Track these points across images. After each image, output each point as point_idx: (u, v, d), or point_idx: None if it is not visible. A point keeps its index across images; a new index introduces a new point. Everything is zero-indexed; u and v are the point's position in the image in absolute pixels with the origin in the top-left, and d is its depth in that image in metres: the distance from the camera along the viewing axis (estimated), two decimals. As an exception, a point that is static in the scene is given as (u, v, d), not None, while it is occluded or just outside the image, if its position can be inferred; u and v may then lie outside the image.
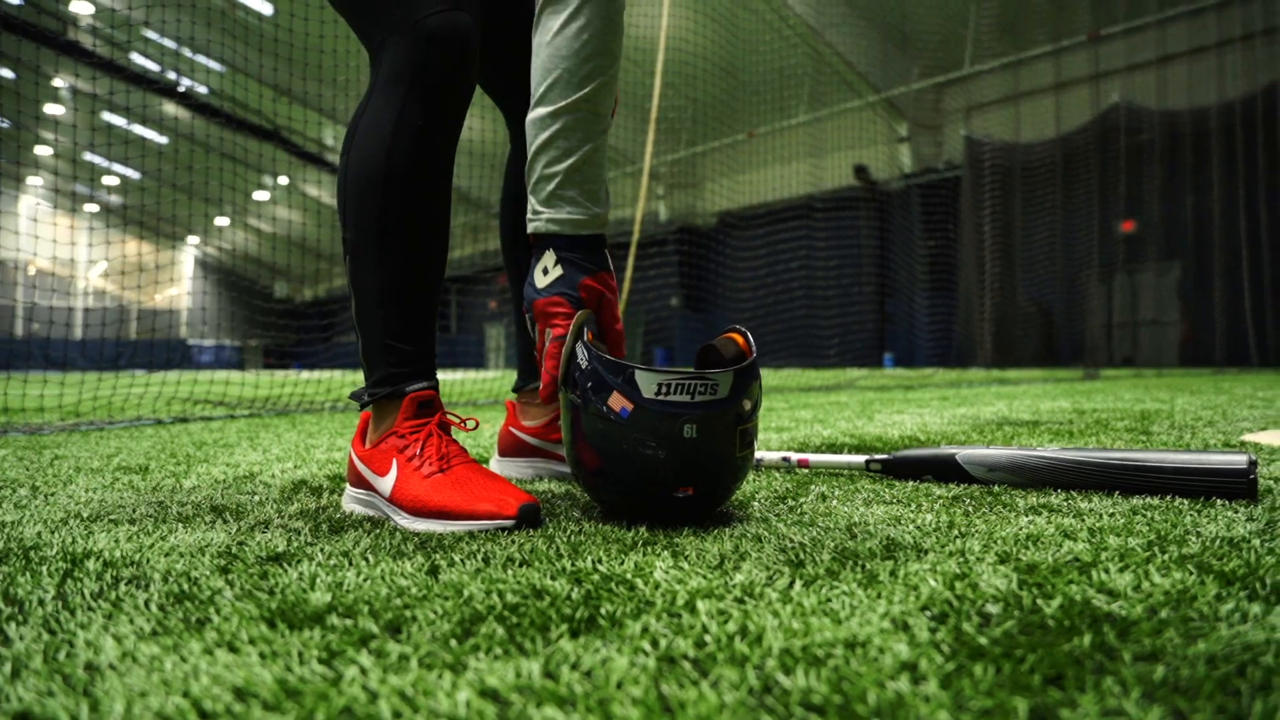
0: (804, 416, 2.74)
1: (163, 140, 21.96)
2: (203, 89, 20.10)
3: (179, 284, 32.90)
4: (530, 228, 1.05)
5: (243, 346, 31.03)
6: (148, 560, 0.78)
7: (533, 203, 1.05)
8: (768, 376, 8.01)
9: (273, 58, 4.95)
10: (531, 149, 1.04)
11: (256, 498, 1.17)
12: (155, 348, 18.56)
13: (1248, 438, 1.81)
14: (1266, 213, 11.84)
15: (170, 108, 19.62)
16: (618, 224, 20.37)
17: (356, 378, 8.28)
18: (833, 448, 1.78)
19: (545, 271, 1.04)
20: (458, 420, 1.09)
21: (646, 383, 0.93)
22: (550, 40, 1.02)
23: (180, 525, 0.96)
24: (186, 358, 22.86)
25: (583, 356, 0.98)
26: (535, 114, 1.03)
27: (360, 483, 1.06)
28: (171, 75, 18.44)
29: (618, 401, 0.94)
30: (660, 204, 24.31)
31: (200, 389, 5.00)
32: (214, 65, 20.31)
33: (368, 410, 1.10)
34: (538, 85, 1.03)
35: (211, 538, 0.88)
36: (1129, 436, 1.89)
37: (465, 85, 1.08)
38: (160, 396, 4.08)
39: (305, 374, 15.67)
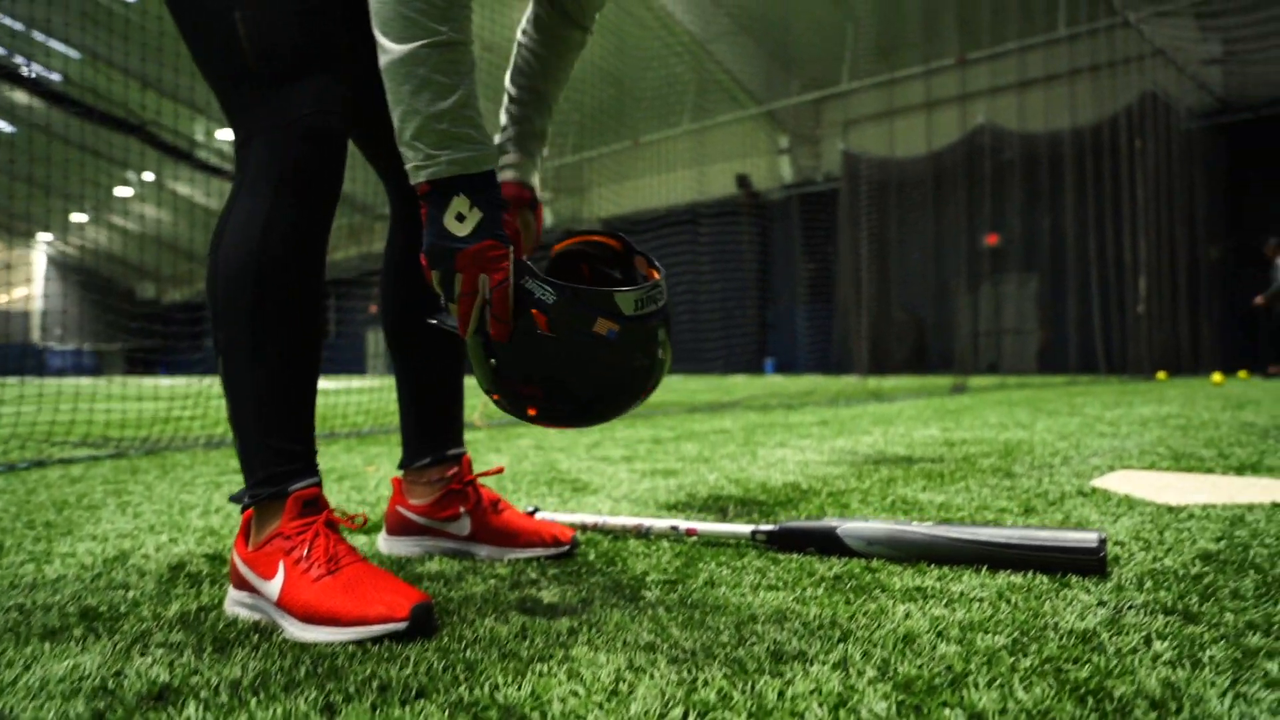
0: (689, 452, 2.79)
1: (11, 130, 20.50)
2: (56, 76, 18.87)
3: (30, 284, 30.71)
4: (425, 175, 0.96)
5: (101, 351, 29.22)
6: (12, 712, 0.74)
7: (421, 149, 0.96)
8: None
9: (139, 46, 4.68)
10: (403, 91, 0.95)
11: (131, 594, 1.12)
12: (6, 352, 17.28)
13: (1098, 483, 1.95)
14: (1112, 234, 12.70)
15: (22, 95, 18.30)
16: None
17: None
18: (719, 500, 1.83)
19: (460, 218, 0.96)
20: (344, 518, 1.07)
21: (626, 302, 0.99)
22: None
23: (47, 643, 0.91)
24: (39, 364, 21.34)
25: (545, 291, 0.99)
26: (398, 54, 0.94)
27: (244, 585, 1.03)
28: (19, 60, 17.23)
29: (603, 325, 0.98)
30: (546, 210, 24.19)
31: (62, 414, 4.70)
32: (70, 52, 19.07)
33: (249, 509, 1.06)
34: (386, 20, 0.95)
35: (84, 664, 0.84)
36: (994, 481, 2.01)
37: (336, 181, 1.07)
38: (13, 425, 3.81)
39: (169, 380, 14.86)
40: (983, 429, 3.48)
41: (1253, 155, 15.35)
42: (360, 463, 2.60)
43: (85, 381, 12.27)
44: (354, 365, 25.46)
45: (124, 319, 26.35)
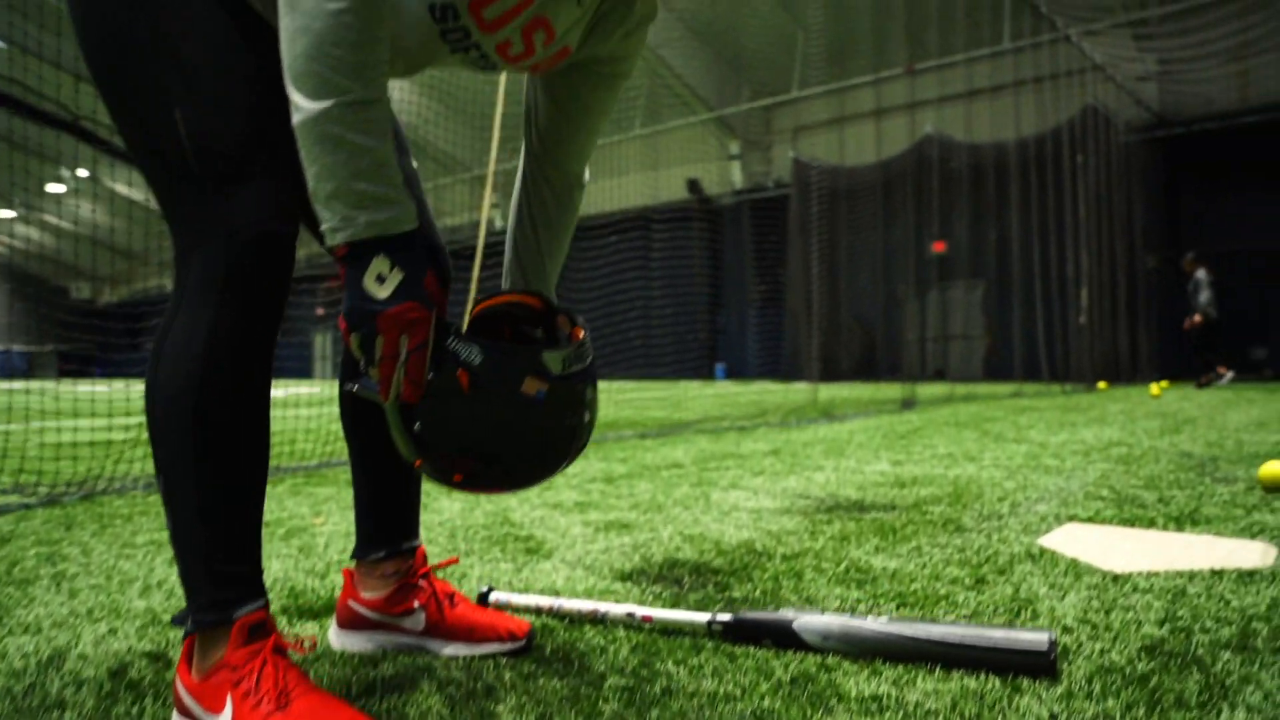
0: (643, 496, 2.79)
1: (-66, 124, 19.71)
2: (-19, 69, 18.20)
3: (-43, 283, 29.76)
4: (343, 237, 0.92)
5: (33, 352, 28.29)
6: None
7: (338, 210, 0.92)
8: (603, 396, 8.08)
9: (72, 42, 4.53)
10: (316, 151, 0.91)
11: (67, 716, 1.08)
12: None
13: (1046, 541, 1.99)
14: (1055, 247, 13.00)
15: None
16: (450, 231, 19.94)
17: None
18: (674, 565, 1.82)
19: (381, 279, 0.92)
20: (292, 643, 1.04)
21: (554, 361, 0.99)
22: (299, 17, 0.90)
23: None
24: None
25: (472, 352, 0.96)
26: (311, 112, 0.90)
27: (189, 713, 1.00)
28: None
29: (532, 385, 0.96)
30: (496, 212, 24.04)
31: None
32: (-3, 45, 18.44)
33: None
34: (297, 75, 0.91)
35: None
36: (945, 539, 2.03)
37: (283, 291, 1.03)
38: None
39: (104, 387, 14.36)
40: (932, 463, 3.53)
41: (1188, 168, 15.85)
42: (307, 512, 2.54)
43: (17, 386, 11.84)
44: (299, 370, 25.03)
45: (57, 319, 25.56)
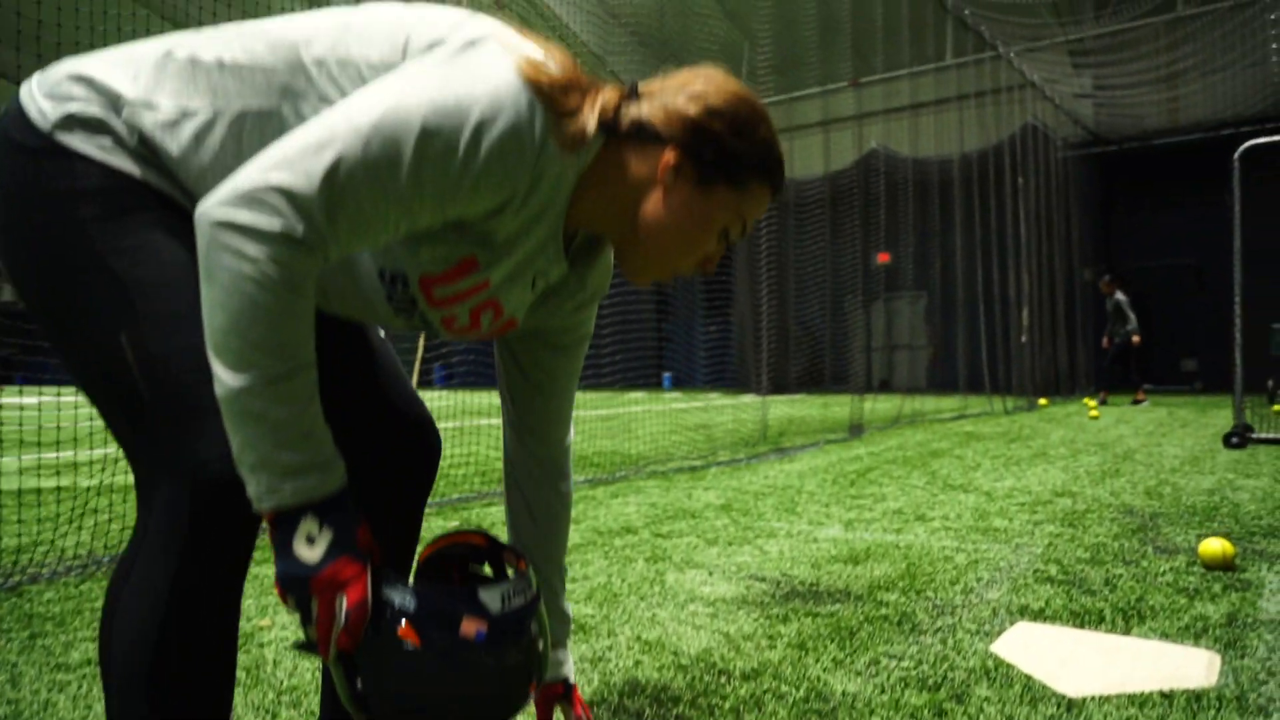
0: (597, 580, 2.76)
1: None
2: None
3: (-125, 287, 28.39)
4: (268, 505, 0.89)
5: (-46, 359, 27.14)
6: None
7: (263, 480, 0.88)
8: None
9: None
10: (238, 424, 0.87)
11: None
12: None
13: (1001, 649, 2.01)
14: (997, 258, 13.28)
15: None
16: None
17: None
18: (635, 693, 1.79)
19: (310, 540, 0.89)
20: None
21: (492, 598, 0.96)
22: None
23: None
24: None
25: (406, 599, 0.94)
26: (232, 386, 0.86)
27: None
28: None
29: (471, 626, 0.94)
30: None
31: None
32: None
33: None
34: (216, 347, 0.87)
35: None
36: (901, 645, 2.04)
37: (252, 535, 0.98)
38: None
39: (32, 399, 13.76)
40: (885, 523, 3.56)
41: (1121, 184, 16.31)
42: (252, 609, 2.46)
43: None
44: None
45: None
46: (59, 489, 4.43)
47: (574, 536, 3.35)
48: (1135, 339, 11.69)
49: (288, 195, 0.86)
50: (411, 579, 1.05)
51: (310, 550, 0.90)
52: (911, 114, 15.68)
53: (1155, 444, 6.55)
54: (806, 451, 6.23)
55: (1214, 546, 2.68)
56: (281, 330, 0.87)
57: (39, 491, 4.33)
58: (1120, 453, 5.96)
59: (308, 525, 0.90)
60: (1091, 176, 16.01)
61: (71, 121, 0.97)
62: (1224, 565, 2.66)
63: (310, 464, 0.90)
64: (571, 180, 1.02)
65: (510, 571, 1.10)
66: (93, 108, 0.98)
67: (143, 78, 1.00)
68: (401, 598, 0.94)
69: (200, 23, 4.57)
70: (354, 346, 1.26)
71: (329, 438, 0.93)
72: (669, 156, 1.03)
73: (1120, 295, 11.77)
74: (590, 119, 1.00)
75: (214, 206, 0.86)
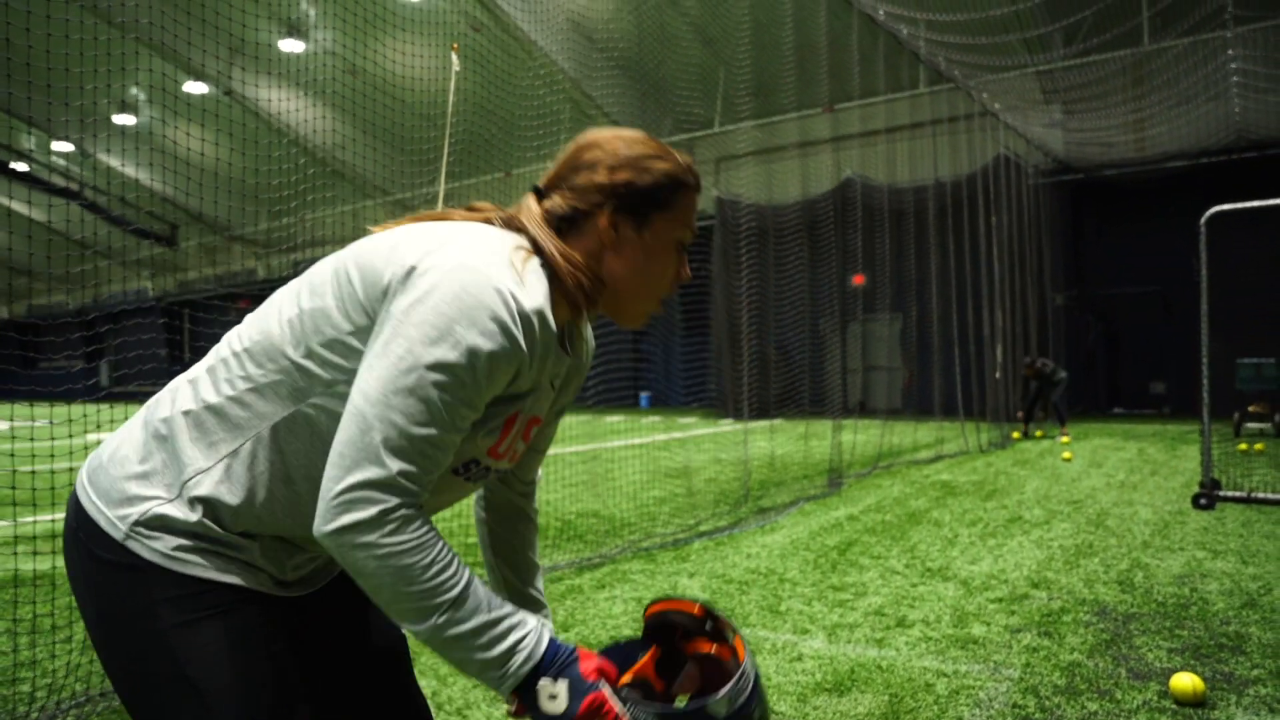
0: None
1: None
2: None
3: None
4: (507, 689, 1.04)
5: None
6: None
7: (492, 675, 1.03)
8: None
9: None
10: (444, 651, 1.03)
11: None
12: None
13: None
14: (971, 284, 13.45)
15: None
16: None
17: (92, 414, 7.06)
18: None
19: (553, 697, 1.04)
20: None
21: (719, 708, 1.09)
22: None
23: None
24: None
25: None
26: (424, 634, 1.02)
27: None
28: None
29: None
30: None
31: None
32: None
33: None
34: (392, 614, 1.04)
35: None
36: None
37: None
38: None
39: (3, 424, 13.56)
40: (867, 630, 3.63)
41: (1091, 210, 16.57)
42: None
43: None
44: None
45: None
46: (35, 580, 4.38)
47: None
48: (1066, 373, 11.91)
49: (365, 484, 0.98)
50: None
51: (555, 704, 1.04)
52: (887, 141, 15.85)
53: (1127, 501, 6.69)
54: (787, 514, 6.31)
55: (1184, 683, 2.77)
56: (430, 574, 1.00)
57: (14, 583, 4.29)
58: (1093, 515, 6.09)
59: (545, 687, 1.04)
60: (1062, 203, 16.26)
61: (139, 529, 1.07)
62: (1195, 702, 2.75)
63: (516, 642, 1.04)
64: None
65: (727, 656, 1.22)
66: (155, 505, 1.08)
67: (183, 450, 1.09)
68: (649, 717, 1.08)
69: (189, 44, 4.59)
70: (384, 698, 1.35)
71: (511, 607, 1.06)
72: (603, 222, 1.17)
73: (1042, 365, 12.00)
74: (540, 256, 1.13)
75: (322, 527, 1.00)
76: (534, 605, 1.43)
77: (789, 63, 13.49)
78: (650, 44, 17.81)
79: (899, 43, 12.72)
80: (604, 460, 9.59)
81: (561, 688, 1.04)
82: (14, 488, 3.95)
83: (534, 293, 1.07)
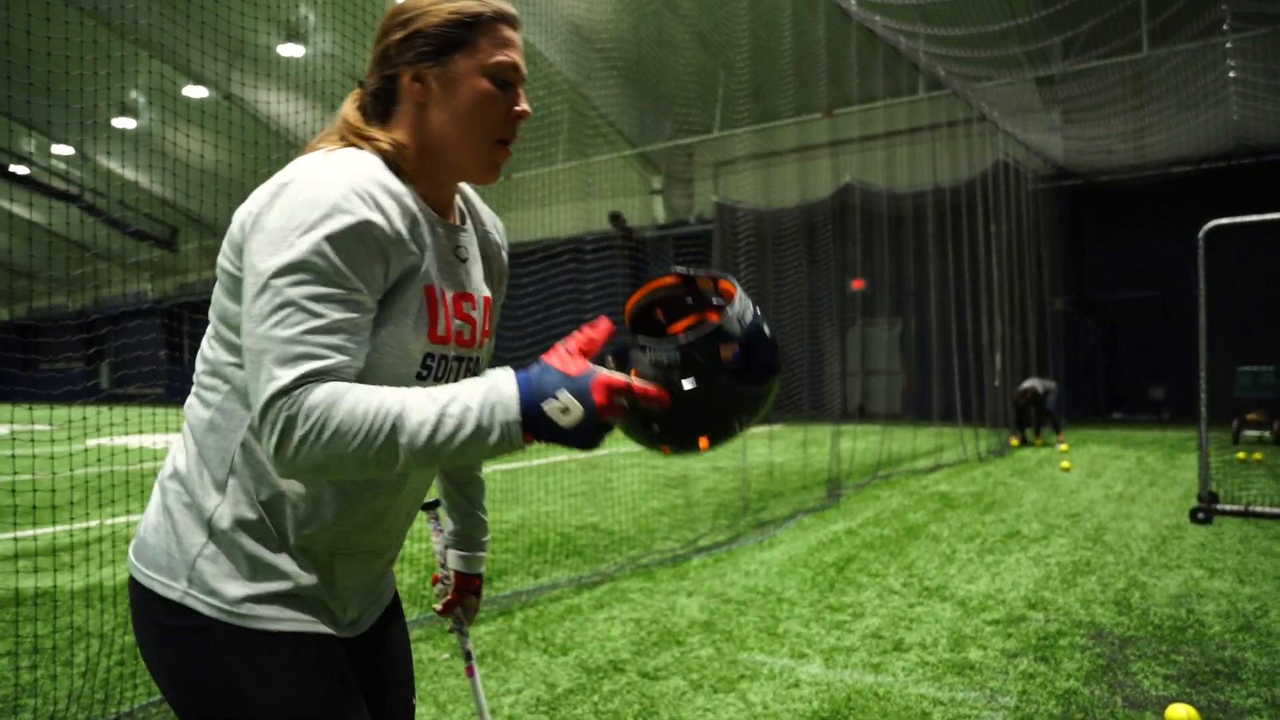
0: (590, 752, 2.81)
1: None
2: None
3: None
4: (517, 441, 1.01)
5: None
6: None
7: (497, 438, 1.01)
8: (525, 478, 8.06)
9: None
10: (440, 462, 1.03)
11: None
12: None
13: None
14: (970, 291, 13.47)
15: None
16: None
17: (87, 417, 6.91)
18: None
19: (566, 412, 1.00)
20: None
21: (731, 323, 1.11)
22: None
23: None
24: None
25: (667, 353, 1.07)
26: (403, 466, 1.02)
27: None
28: None
29: (728, 351, 1.10)
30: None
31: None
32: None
33: None
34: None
35: None
36: None
37: None
38: None
39: (4, 429, 13.62)
40: (864, 653, 3.65)
41: (1091, 214, 16.58)
42: None
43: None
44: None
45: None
46: (36, 598, 4.39)
47: (563, 678, 3.42)
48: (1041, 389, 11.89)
49: (270, 402, 0.99)
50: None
51: (571, 416, 1.00)
52: (886, 146, 15.86)
53: (1125, 514, 6.70)
54: (786, 528, 6.32)
55: (1180, 715, 2.79)
56: (360, 420, 0.98)
57: (18, 599, 4.30)
58: (1091, 530, 6.10)
59: (551, 410, 1.00)
60: (1062, 208, 16.27)
61: (192, 587, 1.12)
62: (1190, 734, 2.77)
63: (482, 403, 1.00)
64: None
65: (715, 298, 1.24)
66: (197, 557, 1.13)
67: (195, 493, 1.15)
68: (664, 354, 1.07)
69: (189, 46, 4.60)
70: None
71: (456, 385, 1.03)
72: (406, 80, 1.16)
73: (1032, 388, 11.98)
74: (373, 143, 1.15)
75: (270, 463, 1.06)
76: (477, 523, 1.60)
77: (788, 67, 13.52)
78: (649, 48, 17.84)
79: (898, 51, 12.71)
80: (603, 469, 9.59)
81: (564, 397, 1.00)
82: (14, 492, 3.99)
83: (358, 168, 1.09)
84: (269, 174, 1.18)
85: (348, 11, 6.60)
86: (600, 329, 1.07)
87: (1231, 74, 12.03)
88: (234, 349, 1.11)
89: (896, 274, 15.98)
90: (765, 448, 12.01)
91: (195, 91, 17.21)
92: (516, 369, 1.05)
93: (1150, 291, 15.77)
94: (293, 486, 1.13)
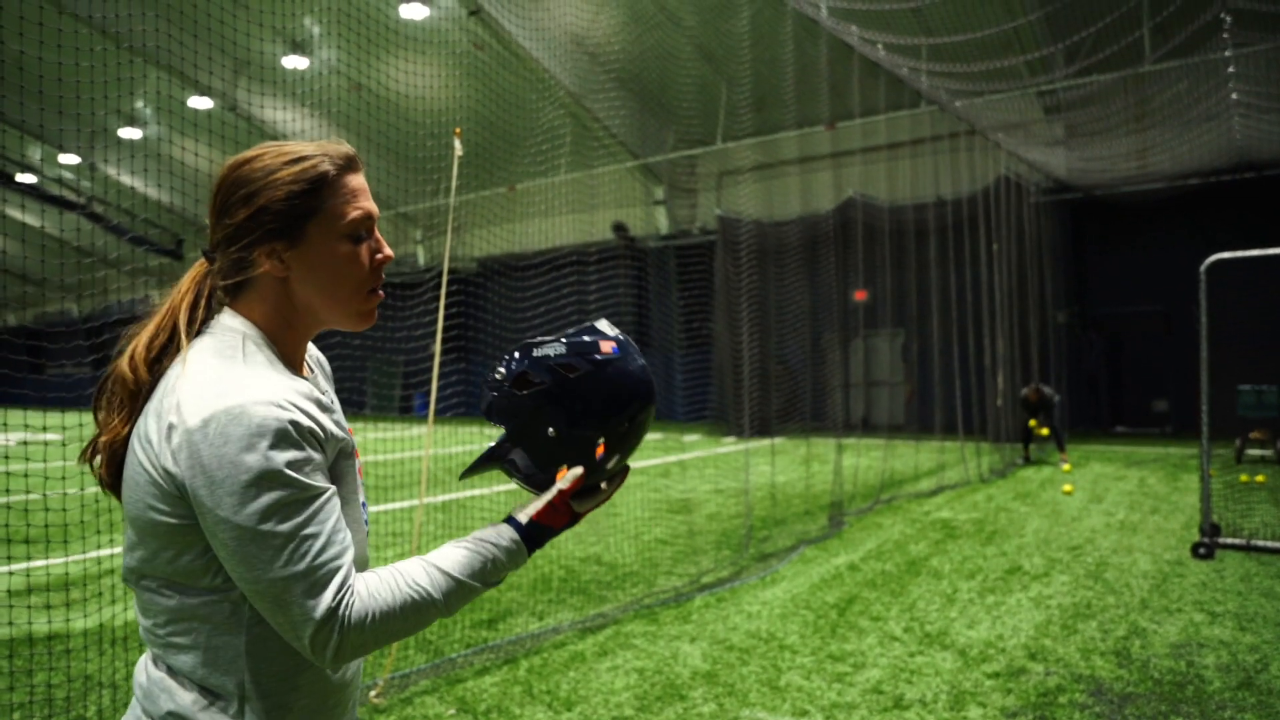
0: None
1: None
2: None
3: None
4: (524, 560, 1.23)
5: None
6: None
7: (485, 578, 1.18)
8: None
9: None
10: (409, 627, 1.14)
11: None
12: None
13: None
14: (972, 304, 13.49)
15: None
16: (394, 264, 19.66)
17: (82, 419, 6.92)
18: None
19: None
20: None
21: (606, 325, 1.32)
22: None
23: None
24: None
25: (554, 349, 1.28)
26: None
27: None
28: None
29: (606, 346, 1.27)
30: (419, 248, 23.79)
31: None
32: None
33: None
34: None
35: None
36: None
37: None
38: None
39: (7, 438, 13.66)
40: (865, 711, 3.69)
41: (1093, 228, 16.60)
42: None
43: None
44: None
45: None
46: (50, 639, 4.43)
47: (566, 740, 3.45)
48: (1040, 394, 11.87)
49: (317, 632, 1.05)
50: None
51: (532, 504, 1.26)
52: (888, 159, 15.89)
53: (1126, 548, 6.73)
54: (789, 562, 6.36)
55: (1176, 790, 2.82)
56: (404, 601, 1.11)
57: (31, 641, 4.31)
58: (1092, 566, 6.14)
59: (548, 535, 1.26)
60: (1064, 221, 16.29)
61: None
62: (1186, 810, 2.80)
63: (499, 555, 1.20)
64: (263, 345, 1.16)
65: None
66: None
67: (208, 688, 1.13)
68: (552, 350, 1.26)
69: (195, 66, 4.64)
70: None
71: (471, 540, 1.20)
72: (262, 260, 1.13)
73: (1040, 388, 11.95)
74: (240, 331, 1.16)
75: (333, 675, 1.19)
76: None
77: (790, 80, 13.56)
78: (651, 60, 17.85)
79: (900, 79, 12.73)
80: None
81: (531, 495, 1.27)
82: (26, 510, 3.95)
83: (262, 377, 1.08)
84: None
85: (351, 27, 6.63)
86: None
87: (1234, 95, 12.04)
88: (196, 590, 1.10)
89: (899, 286, 16.02)
90: (767, 464, 12.05)
91: (201, 103, 17.28)
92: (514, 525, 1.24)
93: (1153, 305, 15.79)
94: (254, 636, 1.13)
